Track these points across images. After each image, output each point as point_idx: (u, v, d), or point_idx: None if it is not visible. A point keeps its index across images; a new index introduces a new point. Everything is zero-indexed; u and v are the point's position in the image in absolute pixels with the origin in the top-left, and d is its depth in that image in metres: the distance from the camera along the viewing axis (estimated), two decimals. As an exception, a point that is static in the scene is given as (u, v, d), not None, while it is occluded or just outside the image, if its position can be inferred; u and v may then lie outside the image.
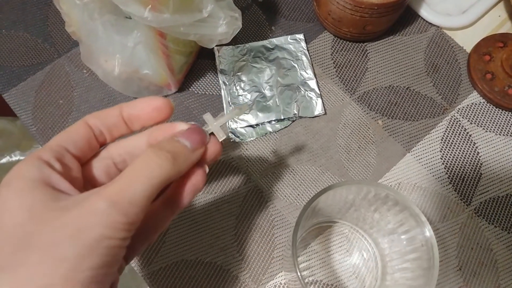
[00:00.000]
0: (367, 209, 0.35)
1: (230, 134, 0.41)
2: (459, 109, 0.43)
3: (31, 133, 0.41)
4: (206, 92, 0.43)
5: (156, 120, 0.26)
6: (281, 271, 0.36)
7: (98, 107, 0.42)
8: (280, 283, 0.36)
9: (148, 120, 0.25)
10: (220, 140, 0.26)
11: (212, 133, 0.26)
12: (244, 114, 0.41)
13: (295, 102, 0.42)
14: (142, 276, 0.36)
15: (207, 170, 0.26)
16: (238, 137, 0.41)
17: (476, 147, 0.41)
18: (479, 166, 0.41)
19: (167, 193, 0.25)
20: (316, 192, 0.37)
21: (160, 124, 0.26)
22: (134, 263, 0.36)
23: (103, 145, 0.26)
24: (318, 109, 0.42)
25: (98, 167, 0.25)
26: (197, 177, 0.25)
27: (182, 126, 0.25)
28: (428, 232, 0.29)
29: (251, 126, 0.41)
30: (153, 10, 0.30)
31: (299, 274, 0.28)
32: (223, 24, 0.35)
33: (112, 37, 0.36)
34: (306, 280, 0.36)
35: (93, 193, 0.21)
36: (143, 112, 0.25)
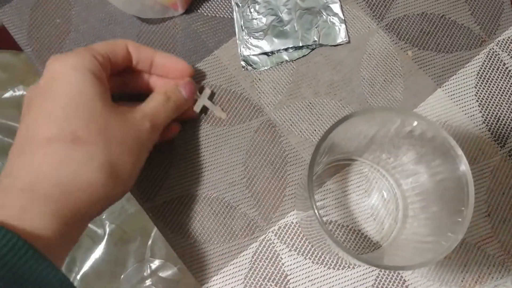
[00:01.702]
0: (390, 145, 0.31)
1: (242, 63, 0.37)
2: (498, 41, 0.38)
3: (26, 53, 0.37)
4: (217, 15, 0.39)
5: (175, 77, 0.33)
6: (293, 210, 0.34)
7: (98, 28, 0.38)
8: (292, 222, 0.33)
9: (170, 74, 0.33)
10: (194, 109, 0.35)
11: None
12: (258, 40, 0.37)
13: (316, 27, 0.37)
14: (144, 209, 0.33)
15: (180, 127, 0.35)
16: (251, 65, 0.37)
17: (516, 84, 0.37)
18: (518, 104, 0.37)
19: None
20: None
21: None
22: (136, 197, 0.34)
23: (124, 69, 0.31)
24: (341, 37, 0.38)
25: (116, 82, 0.32)
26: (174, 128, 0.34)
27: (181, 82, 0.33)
28: (464, 166, 0.26)
29: (265, 53, 0.37)
30: None
31: (316, 212, 0.25)
32: None
33: None
34: (320, 220, 0.33)
35: (137, 110, 0.29)
36: (171, 68, 0.32)
